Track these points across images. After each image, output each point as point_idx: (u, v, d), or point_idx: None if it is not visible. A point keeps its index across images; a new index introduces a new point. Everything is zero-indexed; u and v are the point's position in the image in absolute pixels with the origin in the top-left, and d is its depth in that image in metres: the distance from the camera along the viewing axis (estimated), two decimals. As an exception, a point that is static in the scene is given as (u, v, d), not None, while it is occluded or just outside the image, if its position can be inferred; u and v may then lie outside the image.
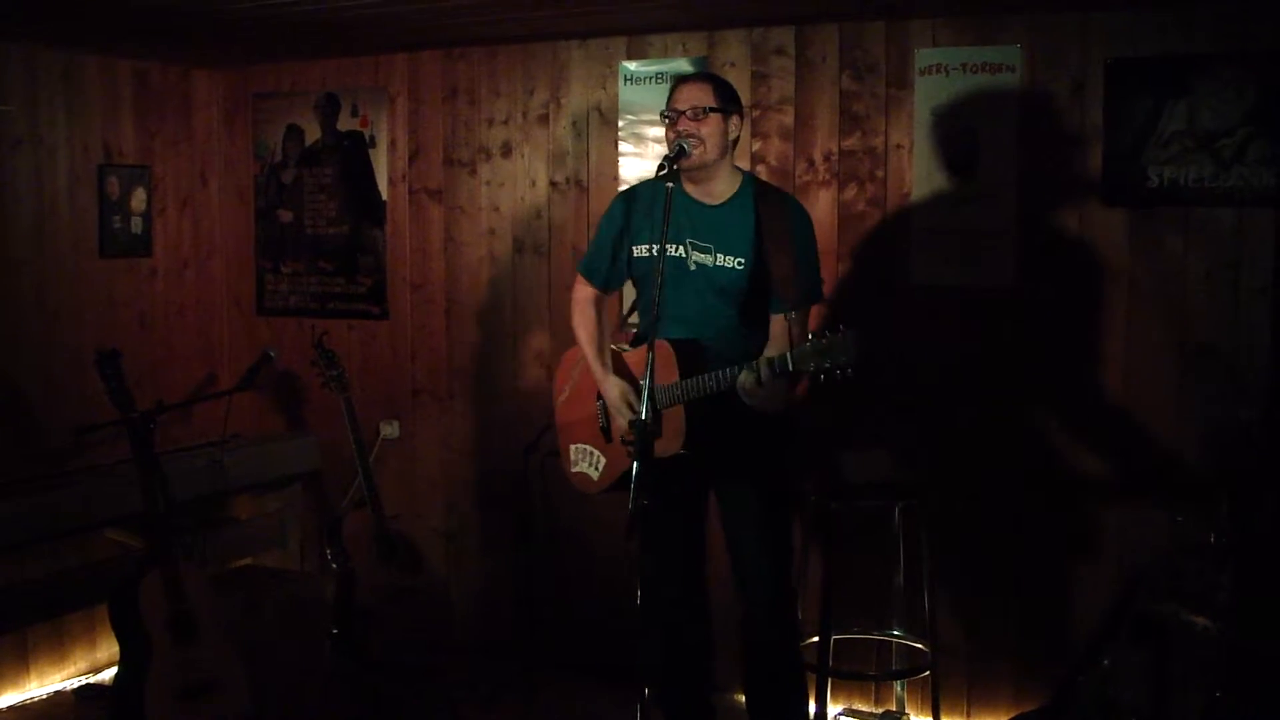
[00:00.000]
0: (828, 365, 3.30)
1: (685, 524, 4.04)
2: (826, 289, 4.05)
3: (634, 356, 3.97)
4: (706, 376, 3.61)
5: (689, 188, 3.84)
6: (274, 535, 5.77)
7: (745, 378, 3.50)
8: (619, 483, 3.93)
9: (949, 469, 4.73)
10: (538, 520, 5.39)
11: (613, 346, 4.06)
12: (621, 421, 3.84)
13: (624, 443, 3.82)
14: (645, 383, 3.37)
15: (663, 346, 3.70)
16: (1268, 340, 4.19)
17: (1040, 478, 4.64)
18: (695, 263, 3.81)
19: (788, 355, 3.40)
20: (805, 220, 3.87)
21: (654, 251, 3.80)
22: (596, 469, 4.04)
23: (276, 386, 5.98)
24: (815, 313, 4.00)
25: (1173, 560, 3.74)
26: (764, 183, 3.99)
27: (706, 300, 3.81)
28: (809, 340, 3.35)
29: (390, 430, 5.74)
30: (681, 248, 3.82)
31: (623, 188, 5.16)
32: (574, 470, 4.14)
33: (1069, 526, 4.61)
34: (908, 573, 4.66)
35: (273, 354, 5.19)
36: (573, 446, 4.13)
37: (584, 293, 4.10)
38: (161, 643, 4.20)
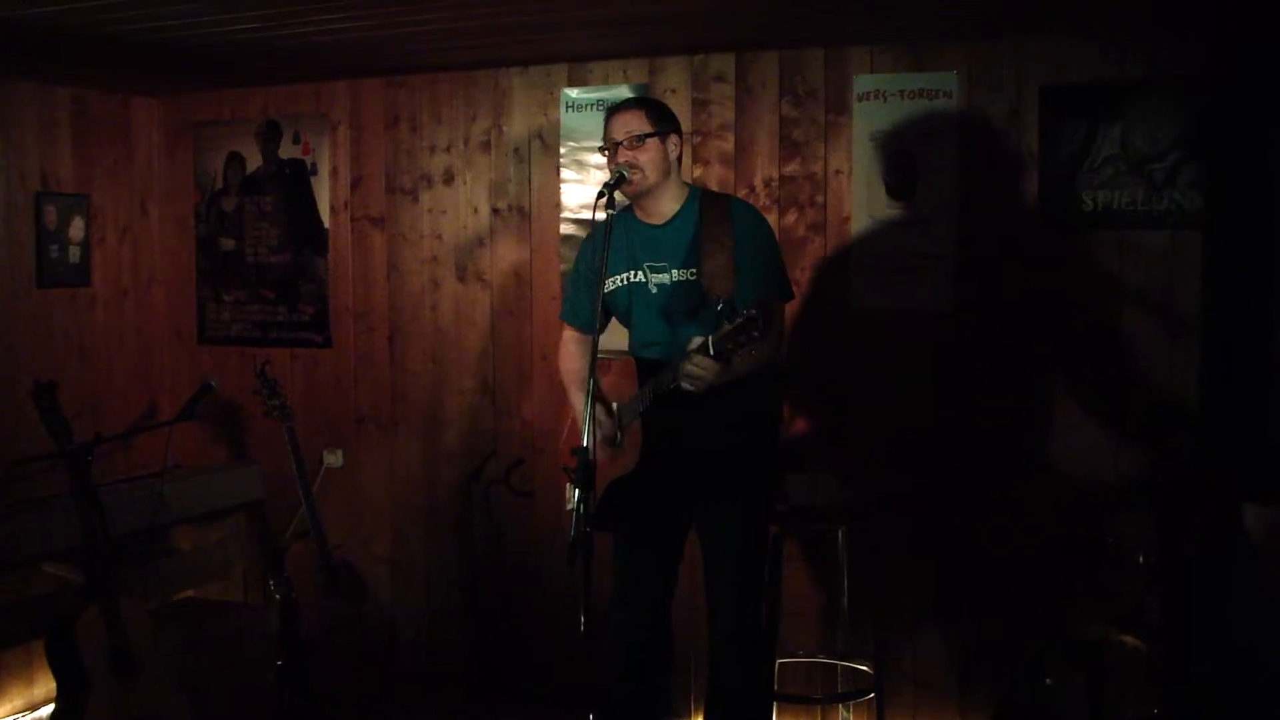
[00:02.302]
0: (743, 340, 3.23)
1: (658, 550, 4.00)
2: (789, 290, 4.00)
3: (612, 379, 3.99)
4: (652, 381, 3.62)
5: (639, 212, 3.87)
6: (216, 566, 5.71)
7: (684, 368, 3.44)
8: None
9: (891, 491, 4.75)
10: (483, 548, 5.38)
11: None
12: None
13: (564, 469, 3.83)
14: (587, 410, 3.36)
15: (628, 363, 3.71)
16: (1198, 363, 4.24)
17: (981, 499, 4.67)
18: (655, 284, 3.82)
19: (709, 340, 3.32)
20: (749, 218, 3.83)
21: (621, 283, 3.84)
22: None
23: (218, 416, 5.93)
24: (777, 309, 3.86)
25: (1104, 581, 3.78)
26: (710, 192, 3.99)
27: (674, 319, 3.80)
28: (726, 323, 3.26)
29: (334, 459, 5.72)
30: (640, 272, 3.84)
31: (565, 214, 5.21)
32: (568, 508, 4.11)
33: (1011, 547, 4.64)
34: (852, 596, 4.68)
35: (214, 384, 5.13)
36: (568, 485, 4.12)
37: (567, 334, 4.14)
38: (101, 679, 4.15)
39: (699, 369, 3.41)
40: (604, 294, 3.90)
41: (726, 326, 3.25)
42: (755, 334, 3.22)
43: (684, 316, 3.77)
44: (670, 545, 4.03)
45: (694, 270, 3.75)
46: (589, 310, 4.02)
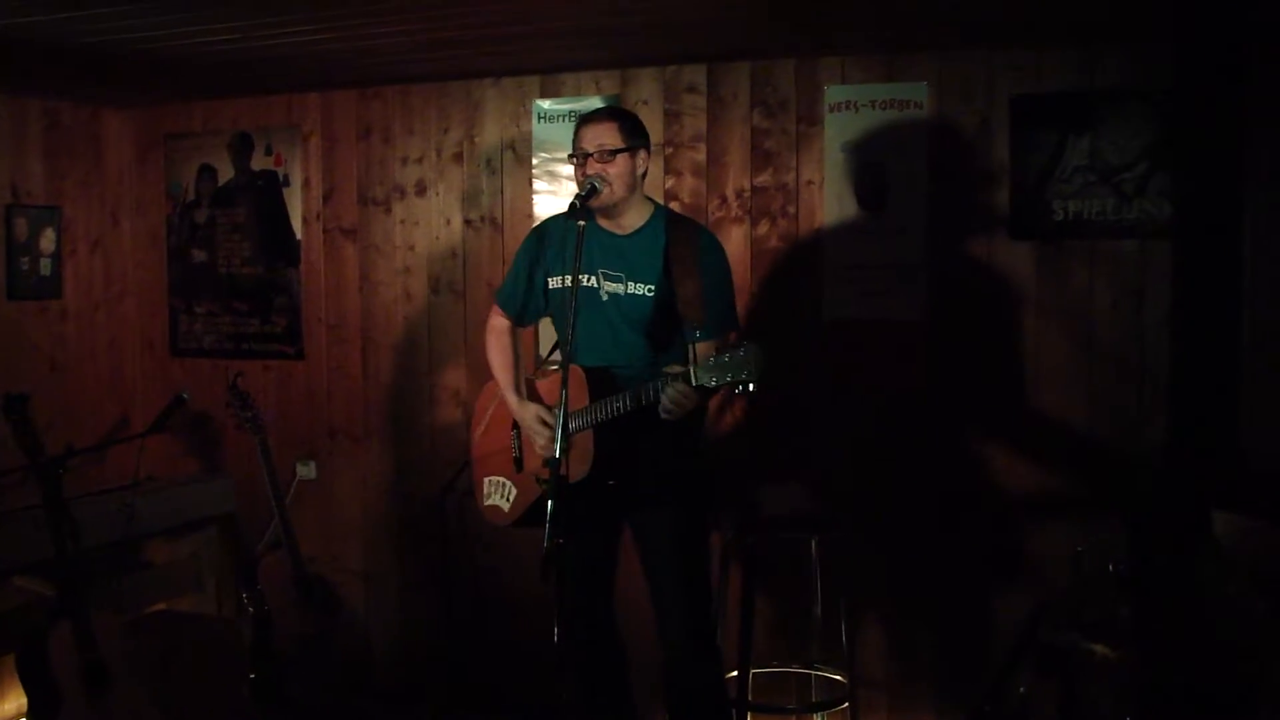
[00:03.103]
0: (729, 380, 3.31)
1: (591, 558, 4.01)
2: (740, 323, 4.07)
3: (546, 384, 4.00)
4: (615, 397, 3.62)
5: (601, 219, 3.86)
6: (189, 579, 5.68)
7: (669, 390, 3.49)
8: (528, 514, 3.93)
9: (864, 501, 4.77)
10: (456, 560, 5.36)
11: (526, 376, 4.08)
12: (539, 440, 3.85)
13: (538, 481, 3.82)
14: (560, 414, 3.36)
15: (575, 371, 3.72)
16: (1169, 370, 4.26)
17: (954, 508, 4.69)
18: (607, 292, 3.83)
19: (691, 370, 3.38)
20: (715, 249, 3.87)
21: (567, 283, 3.82)
22: (508, 500, 4.03)
23: (191, 428, 5.91)
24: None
25: (1074, 589, 3.79)
26: (676, 213, 4.01)
27: (619, 329, 3.82)
28: (713, 356, 3.35)
29: (307, 471, 5.70)
30: (594, 278, 3.83)
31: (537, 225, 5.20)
32: (486, 503, 4.12)
33: (984, 555, 4.67)
34: (825, 605, 4.69)
35: (186, 396, 5.11)
36: (486, 479, 4.13)
37: (499, 323, 4.12)
38: (73, 693, 4.12)
39: (685, 399, 3.46)
40: (549, 290, 3.94)
41: (718, 365, 3.32)
42: (744, 375, 3.30)
43: (630, 328, 3.81)
44: (606, 552, 4.06)
45: (651, 286, 3.77)
46: (527, 303, 4.05)
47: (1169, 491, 3.81)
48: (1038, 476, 4.61)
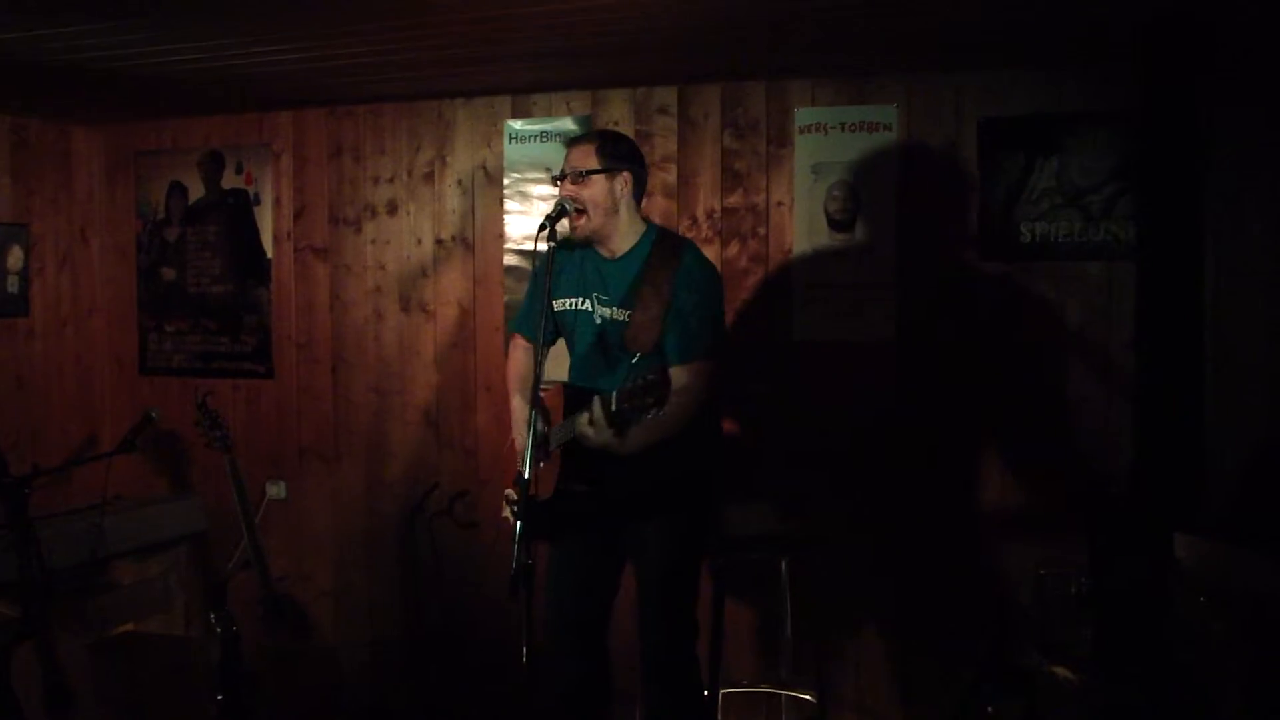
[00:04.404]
0: (648, 401, 3.27)
1: (586, 571, 4.00)
2: (708, 350, 3.98)
3: (551, 398, 4.00)
4: (565, 421, 3.65)
5: (595, 243, 3.87)
6: (157, 599, 5.64)
7: (580, 420, 3.49)
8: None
9: (833, 521, 4.77)
10: (427, 580, 5.35)
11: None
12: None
13: (507, 502, 3.83)
14: (530, 436, 3.37)
15: (555, 392, 3.74)
16: (1133, 392, 4.29)
17: (922, 527, 4.71)
18: (601, 316, 3.83)
19: (612, 395, 3.35)
20: (694, 271, 3.76)
21: (569, 306, 3.87)
22: (513, 512, 4.05)
23: (159, 447, 5.88)
24: (702, 370, 3.75)
25: (1037, 611, 3.81)
26: (668, 234, 3.96)
27: (610, 352, 3.82)
28: (631, 380, 3.30)
29: (276, 490, 5.68)
30: (589, 301, 3.85)
31: (508, 245, 5.22)
32: (503, 515, 4.13)
33: (953, 575, 4.68)
34: (795, 625, 4.69)
35: (155, 414, 5.09)
36: (507, 491, 4.13)
37: (518, 345, 4.15)
38: (36, 716, 4.09)
39: (587, 427, 3.47)
40: (555, 312, 3.92)
41: (627, 386, 3.29)
42: (651, 401, 3.26)
43: (616, 353, 3.80)
44: (603, 569, 4.04)
45: (629, 312, 3.76)
46: (541, 325, 4.02)
47: (1132, 513, 3.84)
48: (1005, 496, 4.63)
